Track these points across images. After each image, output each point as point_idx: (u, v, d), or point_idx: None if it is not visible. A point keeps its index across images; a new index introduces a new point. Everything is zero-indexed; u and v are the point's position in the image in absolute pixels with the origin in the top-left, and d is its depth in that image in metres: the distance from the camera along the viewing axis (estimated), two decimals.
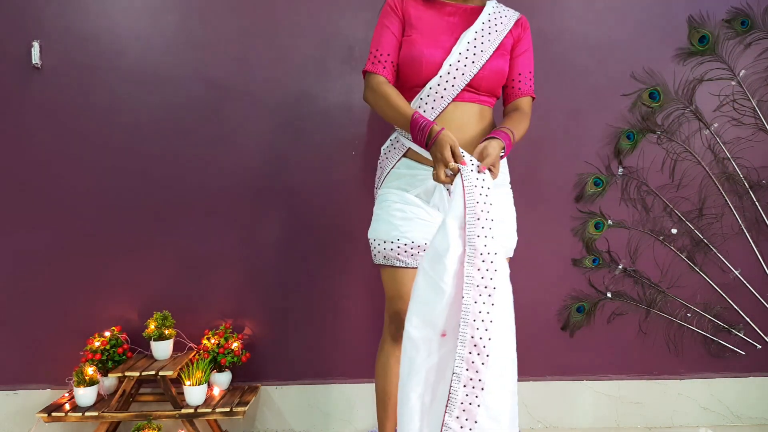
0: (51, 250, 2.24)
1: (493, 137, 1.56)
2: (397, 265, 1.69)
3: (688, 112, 2.25)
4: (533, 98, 1.78)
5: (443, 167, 1.48)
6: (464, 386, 1.24)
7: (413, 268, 1.68)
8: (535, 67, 1.81)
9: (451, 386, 1.24)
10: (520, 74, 1.76)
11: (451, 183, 1.48)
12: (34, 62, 2.17)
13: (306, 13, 2.21)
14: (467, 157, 1.48)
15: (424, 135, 1.53)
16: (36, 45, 2.17)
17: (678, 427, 2.32)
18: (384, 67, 1.67)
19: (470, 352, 1.26)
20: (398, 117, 1.61)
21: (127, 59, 2.20)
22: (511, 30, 1.71)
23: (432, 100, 1.64)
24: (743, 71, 2.23)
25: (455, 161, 1.47)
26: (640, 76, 2.24)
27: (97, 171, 2.23)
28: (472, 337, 1.25)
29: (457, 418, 1.23)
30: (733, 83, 2.24)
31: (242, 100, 2.23)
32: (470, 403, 1.24)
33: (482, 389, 1.24)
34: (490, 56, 1.66)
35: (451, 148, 1.49)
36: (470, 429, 1.22)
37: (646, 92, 2.23)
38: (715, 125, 2.25)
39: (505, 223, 1.66)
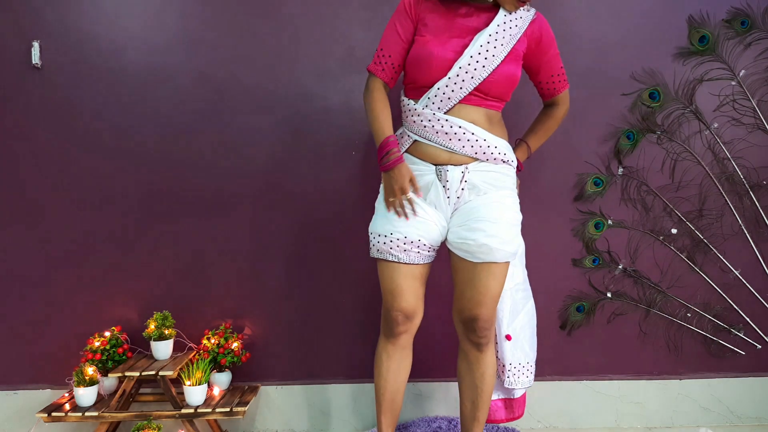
0: (51, 250, 2.24)
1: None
2: (389, 259, 1.70)
3: (688, 112, 2.24)
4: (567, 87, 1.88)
5: (400, 194, 1.67)
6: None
7: (406, 263, 1.69)
8: None
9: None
10: (552, 75, 1.82)
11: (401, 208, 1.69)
12: (34, 62, 2.17)
13: (306, 12, 2.21)
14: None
15: (389, 159, 1.66)
16: (36, 45, 2.17)
17: (678, 427, 2.32)
18: (383, 69, 1.73)
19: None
20: (375, 131, 1.71)
21: (127, 59, 2.21)
22: (525, 32, 1.70)
23: (439, 101, 1.65)
24: (743, 71, 2.23)
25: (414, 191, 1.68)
26: (640, 76, 2.24)
27: (97, 170, 2.23)
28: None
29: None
30: (733, 83, 2.24)
31: (242, 100, 2.23)
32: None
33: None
34: (502, 61, 1.65)
35: (410, 179, 1.66)
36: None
37: (646, 92, 2.23)
38: (715, 125, 2.25)
39: (497, 225, 1.66)
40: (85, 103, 2.21)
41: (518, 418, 2.03)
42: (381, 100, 1.72)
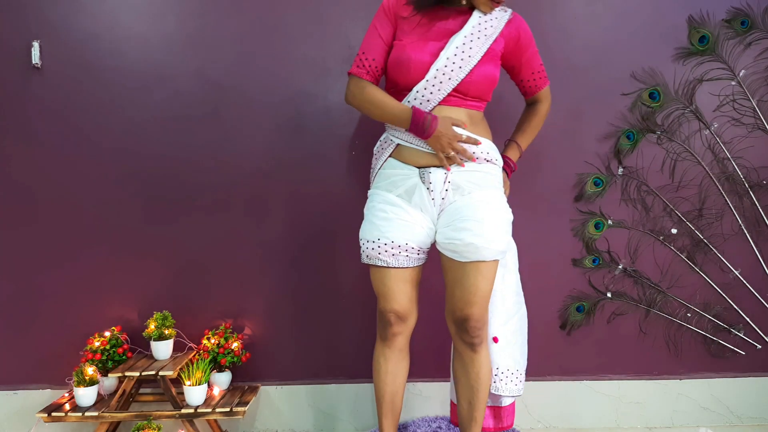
0: (51, 250, 2.24)
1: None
2: (379, 264, 1.71)
3: (688, 112, 2.24)
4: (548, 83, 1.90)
5: (455, 142, 1.62)
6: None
7: (395, 267, 1.70)
8: None
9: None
10: (533, 73, 1.84)
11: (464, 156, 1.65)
12: (34, 62, 2.17)
13: (306, 12, 2.21)
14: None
15: (426, 123, 1.62)
16: (36, 45, 2.17)
17: (678, 427, 2.32)
18: (367, 72, 1.73)
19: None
20: (394, 115, 1.67)
21: (127, 59, 2.21)
22: (501, 32, 1.71)
23: (418, 103, 1.66)
24: (743, 71, 2.23)
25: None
26: (640, 75, 2.24)
27: (97, 171, 2.23)
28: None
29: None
30: (733, 83, 2.24)
31: (242, 100, 2.23)
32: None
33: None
34: (479, 61, 1.66)
35: (452, 124, 1.63)
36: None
37: (646, 92, 2.23)
38: (715, 125, 2.25)
39: (482, 223, 1.65)
40: (85, 103, 2.21)
41: (507, 428, 1.99)
42: (378, 89, 1.71)
